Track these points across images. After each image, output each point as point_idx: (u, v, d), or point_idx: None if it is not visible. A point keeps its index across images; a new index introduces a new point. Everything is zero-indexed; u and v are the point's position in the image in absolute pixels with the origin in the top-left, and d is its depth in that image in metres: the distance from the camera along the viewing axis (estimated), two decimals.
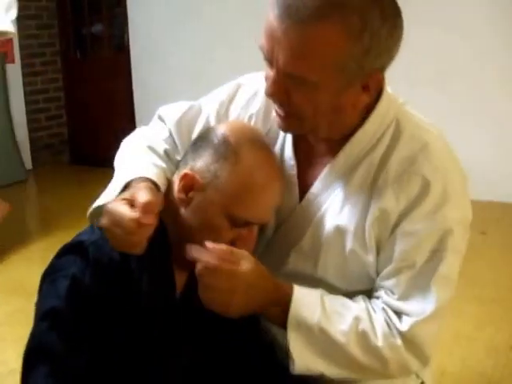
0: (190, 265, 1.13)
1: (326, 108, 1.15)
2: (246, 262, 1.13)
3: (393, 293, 1.21)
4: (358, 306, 1.22)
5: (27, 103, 5.80)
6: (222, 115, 1.39)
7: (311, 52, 1.07)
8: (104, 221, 1.07)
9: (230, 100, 1.40)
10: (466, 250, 1.24)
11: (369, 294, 1.26)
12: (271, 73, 1.14)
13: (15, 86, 5.63)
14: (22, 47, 5.67)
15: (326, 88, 1.11)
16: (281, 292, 1.19)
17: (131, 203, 1.07)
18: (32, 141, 5.81)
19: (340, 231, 1.24)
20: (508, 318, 2.68)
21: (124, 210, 1.05)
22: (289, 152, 1.32)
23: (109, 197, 1.18)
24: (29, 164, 5.76)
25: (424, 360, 1.22)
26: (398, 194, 1.19)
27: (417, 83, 4.27)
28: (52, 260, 1.19)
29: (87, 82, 6.01)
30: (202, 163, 1.18)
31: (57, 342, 1.10)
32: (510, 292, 2.95)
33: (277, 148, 1.34)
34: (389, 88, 1.25)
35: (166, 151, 1.36)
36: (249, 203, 1.16)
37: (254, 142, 1.19)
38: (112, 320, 1.13)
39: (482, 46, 4.29)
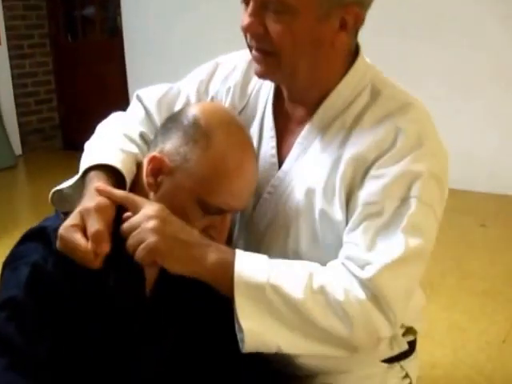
0: None
1: (304, 41, 1.13)
2: (148, 205, 1.09)
3: (357, 245, 1.12)
4: (312, 263, 1.14)
5: (15, 87, 5.74)
6: (202, 93, 1.38)
7: None
8: (60, 246, 1.05)
9: (210, 78, 1.40)
10: (442, 219, 1.19)
11: None
12: (248, 9, 1.14)
13: (2, 68, 5.57)
14: (7, 28, 5.60)
15: (304, 15, 1.11)
16: (218, 248, 1.11)
17: (82, 229, 1.04)
18: (21, 125, 5.75)
19: (309, 193, 1.20)
20: (502, 311, 2.66)
21: (77, 241, 1.03)
22: (269, 122, 1.30)
23: (69, 182, 1.18)
24: (18, 149, 5.71)
25: (392, 318, 1.10)
26: (371, 143, 1.16)
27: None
28: (13, 248, 1.15)
29: (79, 65, 5.96)
30: (171, 146, 1.13)
31: (15, 332, 1.05)
32: (506, 285, 2.93)
33: (256, 121, 1.33)
34: (368, 60, 1.26)
35: (141, 134, 1.32)
36: (220, 190, 1.11)
37: (226, 125, 1.14)
38: (76, 311, 1.09)
39: None
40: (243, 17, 1.15)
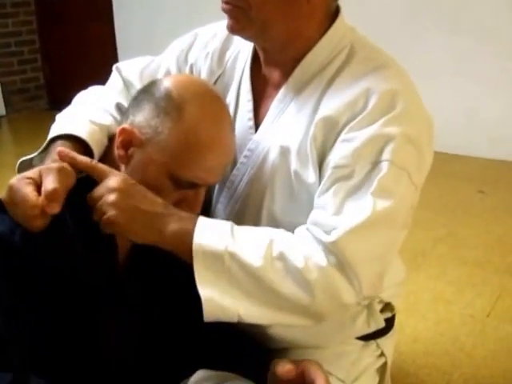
0: None
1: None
2: (112, 176, 1.09)
3: (325, 209, 1.11)
4: (276, 229, 1.14)
5: None
6: (181, 62, 1.40)
7: None
8: (5, 196, 1.02)
9: (189, 47, 1.41)
10: (424, 183, 1.18)
11: None
12: None
13: None
14: None
15: None
16: (180, 217, 1.10)
17: (37, 184, 1.02)
18: (3, 85, 5.69)
19: (284, 152, 1.21)
20: (490, 283, 2.64)
21: (27, 193, 1.00)
22: (246, 86, 1.31)
23: (36, 152, 1.16)
24: (2, 110, 5.64)
25: (356, 284, 1.08)
26: (343, 105, 1.15)
27: None
28: None
29: (65, 24, 5.86)
30: (142, 118, 1.13)
31: None
32: (498, 255, 2.90)
33: (233, 86, 1.33)
34: (348, 21, 1.26)
35: (118, 105, 1.32)
36: (192, 164, 1.11)
37: (199, 97, 1.13)
38: (44, 283, 1.09)
39: None
40: None
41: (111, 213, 1.06)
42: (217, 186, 1.32)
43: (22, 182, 1.01)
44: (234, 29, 1.20)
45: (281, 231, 1.13)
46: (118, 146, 1.13)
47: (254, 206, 1.25)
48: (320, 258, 1.07)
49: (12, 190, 1.01)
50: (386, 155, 1.11)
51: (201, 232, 1.08)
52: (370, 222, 1.08)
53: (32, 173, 1.04)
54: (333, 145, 1.14)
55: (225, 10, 1.19)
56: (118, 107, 1.31)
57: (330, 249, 1.07)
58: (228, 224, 1.11)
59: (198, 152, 1.11)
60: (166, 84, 1.14)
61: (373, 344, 1.41)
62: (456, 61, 4.26)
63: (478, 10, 4.09)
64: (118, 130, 1.14)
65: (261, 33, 1.20)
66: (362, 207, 1.08)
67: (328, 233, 1.08)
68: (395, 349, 1.54)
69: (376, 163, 1.11)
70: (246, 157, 1.27)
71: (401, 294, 1.48)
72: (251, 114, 1.29)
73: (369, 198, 1.09)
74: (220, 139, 1.13)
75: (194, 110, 1.11)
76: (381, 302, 1.39)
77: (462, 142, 4.27)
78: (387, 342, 1.44)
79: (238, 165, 1.28)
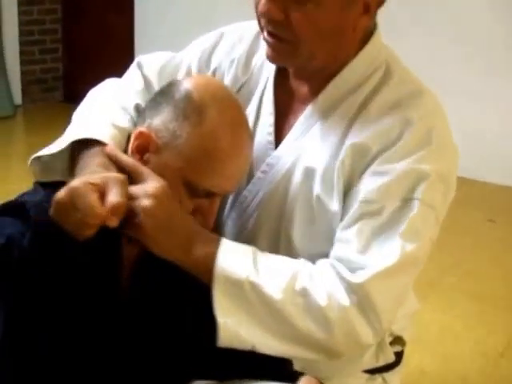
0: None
1: (327, 30, 1.12)
2: (151, 180, 1.07)
3: (350, 245, 1.10)
4: (299, 261, 1.13)
5: (21, 33, 5.65)
6: (203, 62, 1.36)
7: None
8: (65, 198, 0.97)
9: (213, 48, 1.38)
10: (446, 222, 1.18)
11: None
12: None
13: (10, 14, 5.47)
14: None
15: (328, 4, 1.09)
16: (206, 237, 1.10)
17: (101, 192, 0.98)
18: (23, 74, 5.68)
19: (308, 174, 1.18)
20: (503, 320, 2.59)
21: (93, 201, 0.96)
22: (269, 98, 1.28)
23: (52, 150, 1.13)
24: (18, 99, 5.64)
25: (377, 328, 1.08)
26: (376, 132, 1.13)
27: None
28: None
29: (88, 15, 5.86)
30: (159, 121, 1.11)
31: None
32: (509, 290, 2.85)
33: (256, 96, 1.30)
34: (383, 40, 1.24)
35: (136, 106, 1.30)
36: (210, 171, 1.09)
37: (220, 101, 1.11)
38: (48, 290, 1.07)
39: None
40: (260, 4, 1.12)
41: (142, 217, 1.03)
42: (229, 201, 1.30)
43: (87, 188, 0.97)
44: (276, 60, 1.20)
45: (304, 263, 1.12)
46: (134, 151, 1.12)
47: (268, 227, 1.23)
48: (342, 297, 1.06)
49: (75, 194, 0.96)
50: (417, 193, 1.10)
51: (224, 256, 1.08)
52: (398, 267, 1.07)
53: (97, 179, 1.00)
54: (362, 175, 1.12)
55: (269, 43, 1.16)
56: (137, 108, 1.29)
57: (354, 289, 1.06)
58: (251, 251, 1.11)
59: (216, 158, 1.09)
60: (186, 86, 1.12)
61: (378, 378, 1.38)
62: (471, 80, 4.20)
63: None
64: (134, 133, 1.12)
65: (305, 63, 1.19)
66: (391, 250, 1.07)
67: (353, 271, 1.07)
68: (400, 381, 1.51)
69: (406, 200, 1.10)
70: (263, 172, 1.25)
71: (411, 327, 1.45)
72: (272, 129, 1.26)
73: (397, 240, 1.08)
74: (239, 146, 1.12)
75: (213, 114, 1.09)
76: (391, 334, 1.36)
77: (471, 165, 4.18)
78: (394, 377, 1.41)
79: (255, 180, 1.25)
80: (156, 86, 1.33)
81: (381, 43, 1.24)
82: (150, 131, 1.10)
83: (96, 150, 1.12)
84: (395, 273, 1.08)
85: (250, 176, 1.26)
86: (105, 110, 1.24)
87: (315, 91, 1.22)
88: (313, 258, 1.15)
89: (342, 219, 1.14)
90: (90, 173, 1.04)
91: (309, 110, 1.22)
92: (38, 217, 1.06)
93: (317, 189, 1.16)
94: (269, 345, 1.09)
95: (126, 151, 1.17)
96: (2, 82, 5.30)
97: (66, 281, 1.08)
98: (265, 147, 1.25)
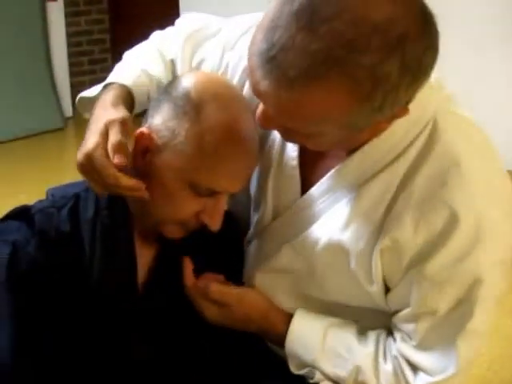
0: (159, 239, 1.12)
1: (334, 141, 1.00)
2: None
3: (410, 338, 1.08)
4: (365, 350, 1.12)
5: (69, 45, 5.74)
6: (232, 44, 1.26)
7: (305, 116, 0.91)
8: (85, 162, 1.02)
9: (245, 32, 1.25)
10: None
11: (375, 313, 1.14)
12: (261, 106, 0.98)
13: (57, 25, 5.55)
14: None
15: (331, 135, 0.96)
16: (278, 319, 1.19)
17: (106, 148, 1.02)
18: (73, 86, 5.76)
19: (343, 249, 1.09)
20: None
21: (105, 160, 1.01)
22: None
23: (91, 92, 1.25)
24: (68, 111, 5.70)
25: None
26: (418, 225, 1.00)
27: None
28: None
29: (136, 24, 5.91)
30: (160, 119, 1.09)
31: None
32: None
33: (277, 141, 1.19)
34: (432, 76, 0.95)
35: (172, 61, 1.32)
36: (210, 169, 1.06)
37: (220, 98, 1.08)
38: (56, 297, 1.08)
39: None
40: (257, 106, 1.00)
41: (206, 312, 1.17)
42: (252, 229, 1.24)
43: (98, 152, 1.01)
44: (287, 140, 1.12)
45: (370, 351, 1.13)
46: (137, 154, 1.08)
47: (296, 264, 1.18)
48: None
49: (90, 159, 1.01)
50: (473, 295, 1.01)
51: (292, 340, 1.16)
52: (459, 374, 1.06)
53: (101, 134, 1.03)
54: (405, 273, 1.04)
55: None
56: (172, 62, 1.31)
57: None
58: (321, 330, 1.15)
59: (216, 155, 1.05)
60: (186, 83, 1.10)
61: None
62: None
63: None
64: (135, 134, 1.09)
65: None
66: (452, 354, 1.05)
67: (415, 370, 1.09)
68: None
69: (462, 301, 1.03)
70: (294, 213, 1.16)
71: None
72: (295, 162, 1.16)
73: (458, 343, 1.05)
74: (240, 142, 1.07)
75: (212, 110, 1.06)
76: None
77: None
78: None
79: (284, 217, 1.18)
80: (178, 51, 1.31)
81: (428, 93, 0.99)
82: (150, 131, 1.09)
83: (110, 93, 1.15)
84: (455, 380, 1.07)
85: (277, 209, 1.19)
86: (141, 55, 1.31)
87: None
88: (354, 311, 1.16)
89: (389, 304, 1.11)
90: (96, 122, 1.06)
91: (334, 172, 1.09)
92: (42, 223, 1.10)
93: (353, 266, 1.08)
94: None
95: (148, 96, 1.22)
96: (52, 94, 5.38)
97: (75, 285, 1.09)
98: (288, 181, 1.16)
